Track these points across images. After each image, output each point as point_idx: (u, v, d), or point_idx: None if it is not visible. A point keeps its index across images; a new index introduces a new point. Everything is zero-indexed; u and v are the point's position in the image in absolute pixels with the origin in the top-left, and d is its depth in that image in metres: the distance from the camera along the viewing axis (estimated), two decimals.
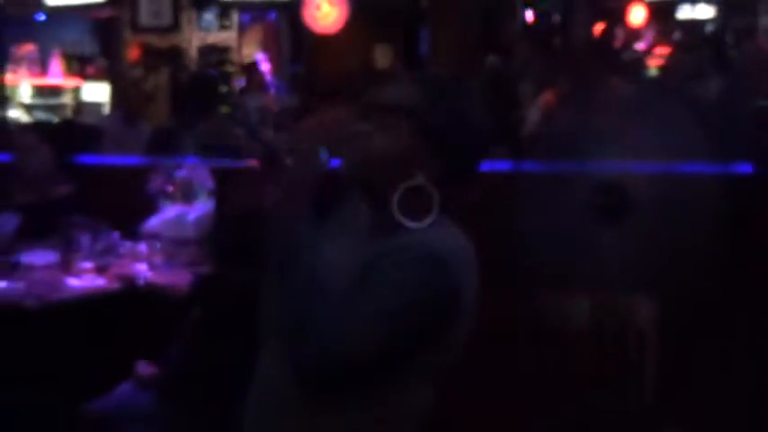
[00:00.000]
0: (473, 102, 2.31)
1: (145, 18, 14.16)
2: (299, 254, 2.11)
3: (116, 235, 5.45)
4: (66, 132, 10.91)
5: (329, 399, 2.17)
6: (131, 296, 4.99)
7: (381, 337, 2.08)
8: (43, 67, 15.08)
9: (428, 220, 2.17)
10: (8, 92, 13.94)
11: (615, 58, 14.93)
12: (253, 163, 2.20)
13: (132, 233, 5.43)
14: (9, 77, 14.11)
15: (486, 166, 2.33)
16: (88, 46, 15.51)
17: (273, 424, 2.25)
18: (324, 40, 12.78)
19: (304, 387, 2.13)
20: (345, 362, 2.07)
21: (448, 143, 2.22)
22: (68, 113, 13.96)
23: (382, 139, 2.19)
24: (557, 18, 18.46)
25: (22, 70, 14.81)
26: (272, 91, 12.17)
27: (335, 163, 2.21)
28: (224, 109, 11.03)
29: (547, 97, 9.69)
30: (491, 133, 2.42)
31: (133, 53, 14.42)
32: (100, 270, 5.22)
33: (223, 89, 12.41)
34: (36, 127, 11.39)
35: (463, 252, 2.21)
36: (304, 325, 2.06)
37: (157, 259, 5.28)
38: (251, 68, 12.76)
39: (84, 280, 5.11)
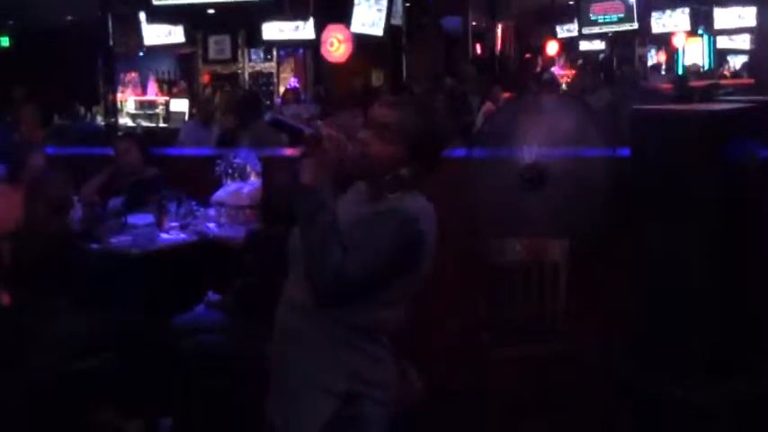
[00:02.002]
0: (442, 120, 2.38)
1: (212, 53, 14.15)
2: (325, 208, 2.13)
3: (194, 203, 5.43)
4: (152, 135, 10.93)
5: (333, 311, 2.19)
6: (204, 246, 4.98)
7: (373, 266, 2.13)
8: (143, 88, 15.06)
9: (399, 194, 2.24)
10: (119, 105, 13.93)
11: (537, 78, 14.89)
12: (301, 146, 2.20)
13: (205, 202, 5.41)
14: (119, 96, 14.10)
15: (450, 152, 2.38)
16: (174, 73, 15.46)
17: (291, 325, 2.27)
18: (336, 68, 12.73)
19: (319, 302, 2.16)
20: (348, 283, 2.11)
21: (423, 151, 2.27)
22: (160, 121, 13.94)
23: (378, 145, 2.24)
24: (497, 50, 18.41)
25: (128, 90, 14.81)
26: (303, 103, 12.15)
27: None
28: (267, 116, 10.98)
29: (487, 106, 9.65)
30: (450, 140, 2.51)
31: (205, 78, 14.39)
32: (182, 228, 5.20)
33: (266, 102, 12.40)
34: (130, 133, 11.41)
35: (427, 214, 2.25)
36: (323, 259, 2.09)
37: (222, 220, 5.25)
38: (288, 90, 12.76)
39: (171, 234, 5.09)
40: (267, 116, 3.83)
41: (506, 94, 10.00)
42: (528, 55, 19.56)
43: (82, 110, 11.95)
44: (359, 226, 2.17)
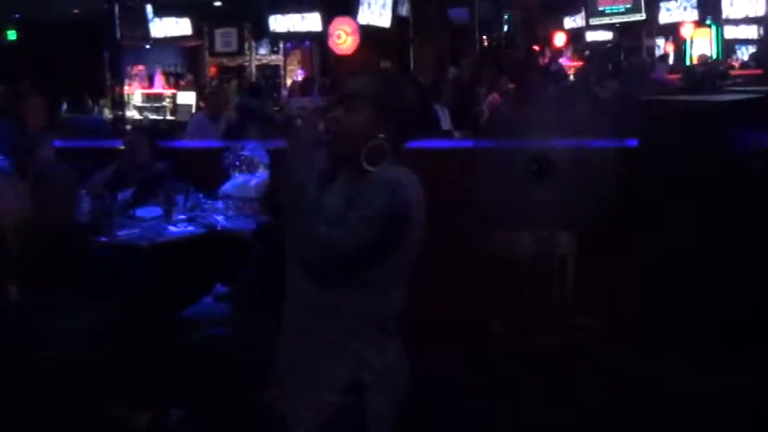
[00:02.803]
0: (408, 87, 2.35)
1: (219, 46, 14.18)
2: (307, 189, 2.15)
3: (201, 195, 5.44)
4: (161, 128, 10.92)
5: (330, 292, 2.20)
6: (212, 238, 4.98)
7: (361, 237, 2.13)
8: (150, 81, 15.06)
9: (384, 165, 2.22)
10: (126, 98, 13.96)
11: (545, 69, 14.85)
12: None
13: (213, 194, 5.42)
14: (126, 88, 14.12)
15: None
16: (181, 66, 15.47)
17: (297, 317, 2.27)
18: (343, 60, 12.72)
19: (312, 279, 2.18)
20: (337, 256, 2.12)
21: (394, 114, 2.26)
22: (167, 113, 13.95)
23: (349, 118, 2.24)
24: (504, 41, 18.36)
25: (135, 83, 14.81)
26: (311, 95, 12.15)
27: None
28: (274, 108, 11.00)
29: (493, 97, 9.62)
30: (422, 108, 2.47)
31: (211, 71, 14.40)
32: (190, 220, 5.20)
33: (273, 94, 12.41)
34: (140, 125, 11.42)
35: (409, 180, 2.24)
36: (308, 236, 2.12)
37: (230, 212, 5.26)
38: (294, 82, 12.76)
39: (179, 227, 5.09)
40: (234, 101, 3.90)
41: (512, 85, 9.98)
42: (537, 48, 19.50)
43: (90, 103, 11.97)
44: (347, 203, 2.19)
